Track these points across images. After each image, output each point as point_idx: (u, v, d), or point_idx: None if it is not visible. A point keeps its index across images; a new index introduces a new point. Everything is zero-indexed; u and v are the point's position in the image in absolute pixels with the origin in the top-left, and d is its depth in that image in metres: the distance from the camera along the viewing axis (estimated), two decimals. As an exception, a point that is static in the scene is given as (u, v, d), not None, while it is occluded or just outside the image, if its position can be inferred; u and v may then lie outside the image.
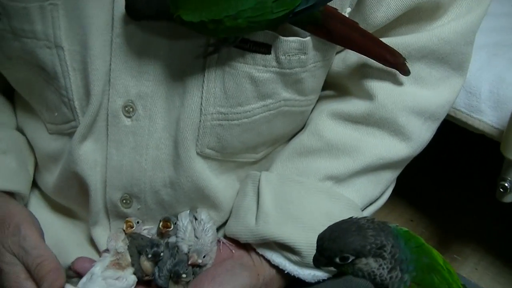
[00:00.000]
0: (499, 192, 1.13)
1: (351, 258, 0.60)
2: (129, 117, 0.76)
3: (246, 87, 0.74)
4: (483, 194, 1.40)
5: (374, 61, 0.79)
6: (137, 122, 0.76)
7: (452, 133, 1.28)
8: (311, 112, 0.85)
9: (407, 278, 0.60)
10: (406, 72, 0.78)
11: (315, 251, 0.64)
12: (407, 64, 0.78)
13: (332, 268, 0.74)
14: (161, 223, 0.80)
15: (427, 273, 0.61)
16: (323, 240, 0.61)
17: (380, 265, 0.60)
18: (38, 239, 0.77)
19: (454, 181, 1.70)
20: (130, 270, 0.79)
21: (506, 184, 1.11)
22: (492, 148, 1.18)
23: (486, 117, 1.14)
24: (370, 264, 0.60)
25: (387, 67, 0.79)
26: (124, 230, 0.81)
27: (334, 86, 0.86)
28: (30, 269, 0.75)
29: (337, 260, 0.61)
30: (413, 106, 0.80)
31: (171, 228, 0.80)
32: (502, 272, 1.46)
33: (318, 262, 0.64)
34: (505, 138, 1.08)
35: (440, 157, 1.65)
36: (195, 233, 0.80)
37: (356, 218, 0.62)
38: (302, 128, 0.86)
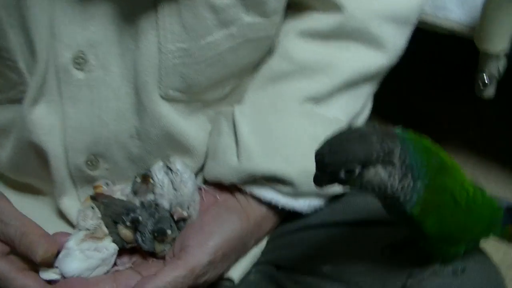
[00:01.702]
0: (478, 87, 1.14)
1: (358, 169, 0.55)
2: (81, 69, 0.73)
3: (206, 17, 0.71)
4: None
5: None
6: (90, 74, 0.73)
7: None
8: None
9: (419, 185, 0.57)
10: None
11: (307, 178, 0.59)
12: None
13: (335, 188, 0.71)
14: (139, 179, 0.77)
15: (439, 177, 0.57)
16: (322, 155, 0.56)
17: (391, 173, 0.56)
18: (16, 210, 0.73)
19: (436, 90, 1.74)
20: (109, 239, 0.76)
21: (485, 76, 1.11)
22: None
23: (453, 14, 1.15)
24: (380, 173, 0.56)
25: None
26: (93, 198, 0.77)
27: (298, 4, 0.83)
28: (13, 240, 0.70)
29: (342, 174, 0.56)
30: (384, 12, 0.80)
31: (152, 182, 0.76)
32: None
33: (320, 180, 0.59)
34: (479, 29, 1.09)
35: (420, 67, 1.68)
36: (173, 185, 0.77)
37: (355, 126, 0.59)
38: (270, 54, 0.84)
